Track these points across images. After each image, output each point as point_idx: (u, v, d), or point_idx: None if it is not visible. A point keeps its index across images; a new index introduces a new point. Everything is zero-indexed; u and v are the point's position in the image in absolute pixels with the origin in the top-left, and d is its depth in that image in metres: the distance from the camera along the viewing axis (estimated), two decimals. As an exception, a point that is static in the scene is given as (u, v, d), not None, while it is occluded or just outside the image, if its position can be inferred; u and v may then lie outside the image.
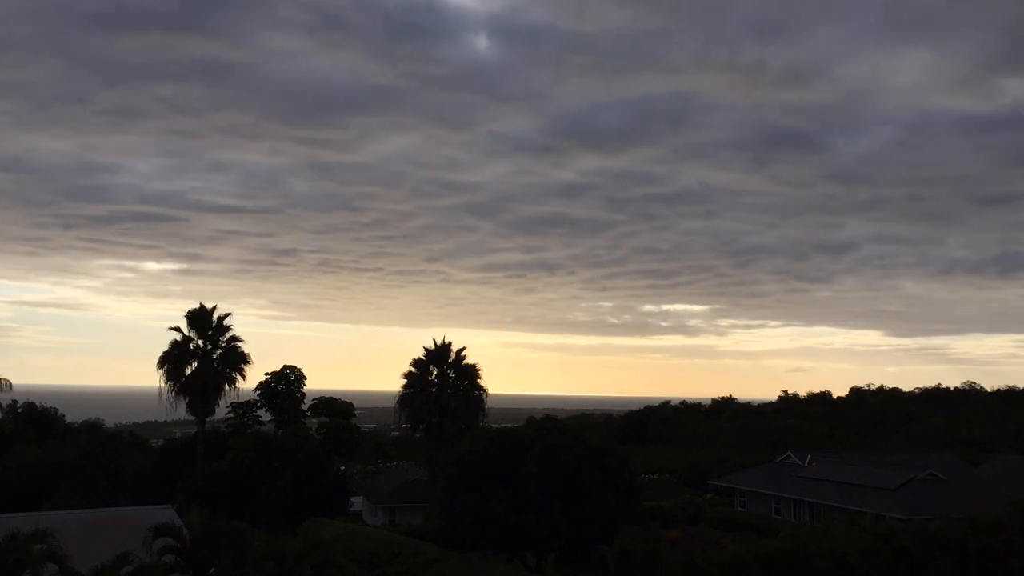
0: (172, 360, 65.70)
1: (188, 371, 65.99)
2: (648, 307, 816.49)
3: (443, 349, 63.05)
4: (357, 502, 72.10)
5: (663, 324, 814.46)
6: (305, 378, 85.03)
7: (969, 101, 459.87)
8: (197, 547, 24.46)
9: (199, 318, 67.25)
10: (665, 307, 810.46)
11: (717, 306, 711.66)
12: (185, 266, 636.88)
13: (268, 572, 23.06)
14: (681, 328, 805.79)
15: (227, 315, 68.23)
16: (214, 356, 66.91)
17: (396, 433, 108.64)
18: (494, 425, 65.92)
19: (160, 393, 65.31)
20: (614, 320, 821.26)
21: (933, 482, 57.37)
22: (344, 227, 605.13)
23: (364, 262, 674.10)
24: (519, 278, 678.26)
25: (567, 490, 44.53)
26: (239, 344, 67.96)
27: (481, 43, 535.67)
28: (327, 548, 25.95)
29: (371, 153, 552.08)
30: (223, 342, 67.51)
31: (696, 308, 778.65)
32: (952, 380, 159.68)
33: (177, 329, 66.59)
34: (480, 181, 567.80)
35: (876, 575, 28.22)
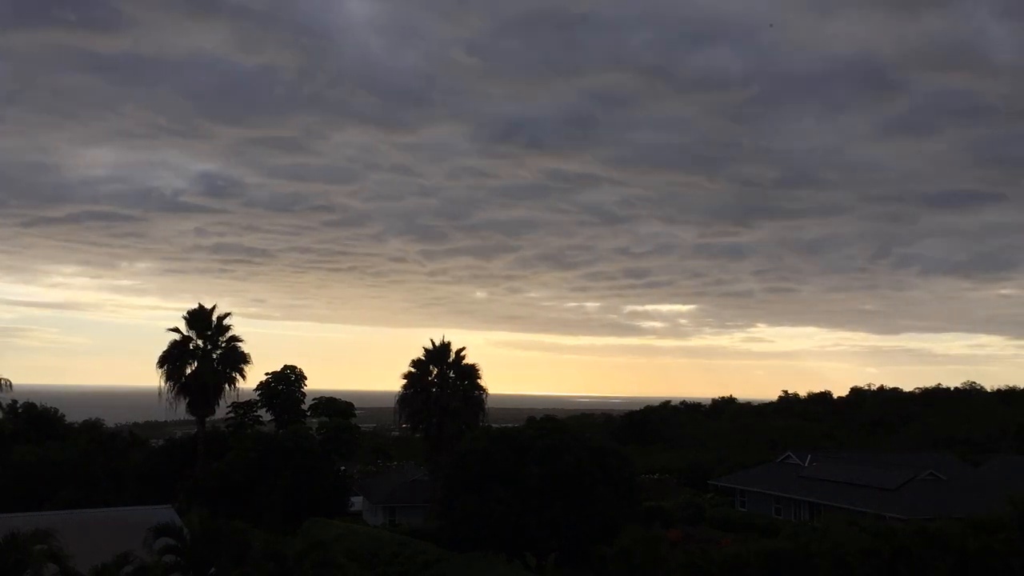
0: (172, 360, 65.60)
1: (188, 371, 65.91)
2: (632, 307, 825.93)
3: (443, 349, 63.05)
4: (357, 502, 72.08)
5: (648, 324, 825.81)
6: (305, 378, 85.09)
7: (888, 103, 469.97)
8: (197, 547, 24.46)
9: (198, 318, 67.16)
10: (649, 307, 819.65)
11: (697, 306, 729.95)
12: (159, 265, 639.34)
13: (268, 572, 23.09)
14: (662, 328, 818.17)
15: (227, 315, 68.22)
16: (214, 356, 66.83)
17: (396, 433, 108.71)
18: (493, 425, 65.94)
19: (160, 393, 65.23)
20: (600, 320, 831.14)
21: (933, 482, 57.36)
22: (312, 227, 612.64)
23: (338, 261, 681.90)
24: (491, 278, 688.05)
25: (567, 490, 44.52)
26: (239, 344, 67.95)
27: (379, 45, 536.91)
28: (327, 548, 25.96)
29: (321, 154, 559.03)
30: (223, 342, 67.43)
31: (680, 308, 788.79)
32: (933, 380, 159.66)
33: (176, 329, 66.59)
34: (436, 184, 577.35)
35: (876, 575, 28.23)
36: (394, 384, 64.29)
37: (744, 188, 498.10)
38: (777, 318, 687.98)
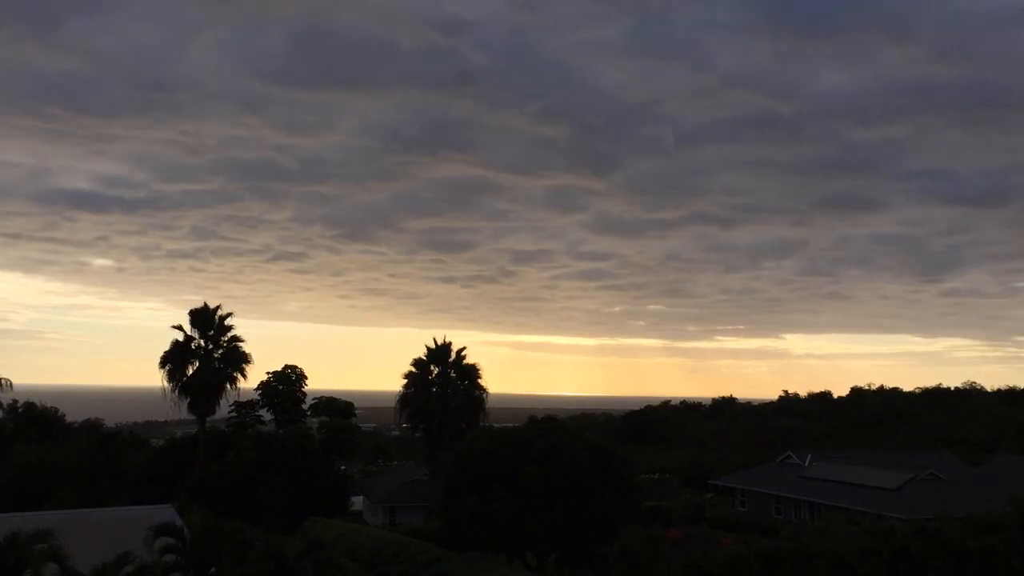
0: (174, 360, 65.57)
1: (190, 371, 65.91)
2: (600, 307, 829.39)
3: (444, 349, 63.04)
4: (357, 502, 72.09)
5: (635, 325, 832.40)
6: (306, 378, 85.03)
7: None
8: (198, 547, 24.48)
9: (201, 318, 67.13)
10: (622, 307, 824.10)
11: (651, 306, 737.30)
12: (105, 263, 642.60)
13: (269, 572, 23.08)
14: (634, 328, 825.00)
15: (229, 315, 68.14)
16: (216, 356, 66.82)
17: (396, 433, 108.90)
18: (494, 425, 65.97)
19: (164, 393, 65.22)
20: (579, 318, 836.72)
21: (933, 482, 57.38)
22: (247, 223, 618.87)
23: (284, 261, 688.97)
24: (454, 279, 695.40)
25: (568, 490, 44.54)
26: (240, 344, 67.91)
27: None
28: (327, 548, 25.98)
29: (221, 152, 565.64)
30: (224, 342, 67.41)
31: (651, 309, 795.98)
32: (933, 380, 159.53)
33: (180, 328, 66.56)
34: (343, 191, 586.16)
35: (876, 575, 28.24)
36: (394, 384, 64.41)
37: (635, 195, 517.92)
38: (746, 320, 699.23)
